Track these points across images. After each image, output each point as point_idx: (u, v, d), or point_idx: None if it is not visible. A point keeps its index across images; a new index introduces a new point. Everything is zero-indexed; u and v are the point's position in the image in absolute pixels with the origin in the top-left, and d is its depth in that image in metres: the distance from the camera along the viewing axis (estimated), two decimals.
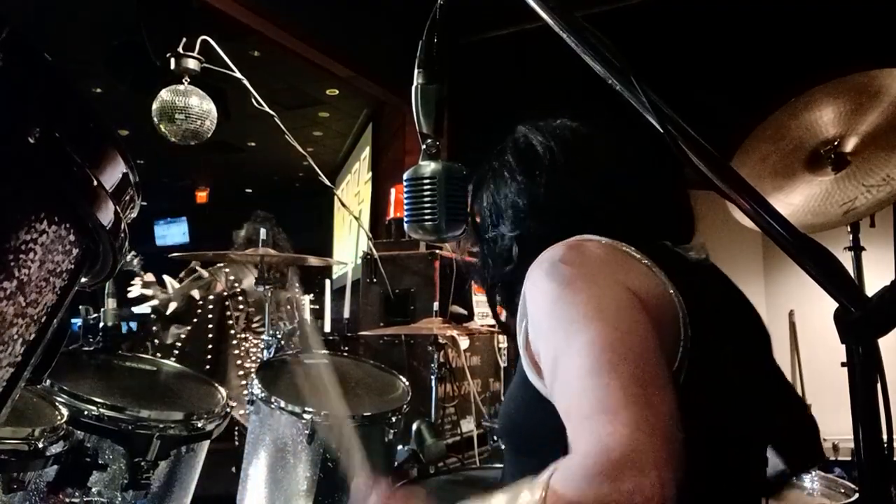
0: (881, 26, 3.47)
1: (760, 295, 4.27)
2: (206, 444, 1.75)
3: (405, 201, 0.90)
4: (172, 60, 2.49)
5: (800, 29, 3.76)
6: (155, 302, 3.29)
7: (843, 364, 0.63)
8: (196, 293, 3.40)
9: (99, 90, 6.37)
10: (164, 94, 2.42)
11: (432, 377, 2.80)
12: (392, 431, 1.87)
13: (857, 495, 1.72)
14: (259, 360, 3.48)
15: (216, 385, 1.93)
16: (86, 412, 1.48)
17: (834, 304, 0.62)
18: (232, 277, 3.52)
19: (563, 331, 0.80)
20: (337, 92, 6.68)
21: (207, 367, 3.32)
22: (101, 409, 1.49)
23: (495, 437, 2.64)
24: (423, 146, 0.90)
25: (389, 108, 5.95)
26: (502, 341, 3.84)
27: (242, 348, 3.46)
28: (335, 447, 1.31)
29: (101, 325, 1.87)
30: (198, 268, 3.51)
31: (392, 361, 2.66)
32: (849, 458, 3.64)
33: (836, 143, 1.95)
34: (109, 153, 0.47)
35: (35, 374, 0.49)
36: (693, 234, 1.06)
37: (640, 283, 0.84)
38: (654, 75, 0.80)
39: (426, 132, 0.90)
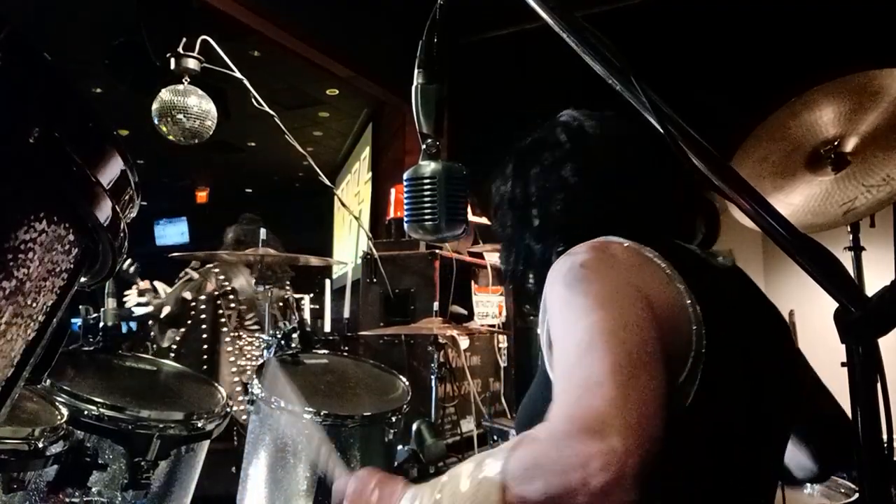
0: (881, 26, 3.47)
1: None
2: (206, 444, 1.75)
3: (405, 201, 0.90)
4: (172, 60, 2.49)
5: (800, 29, 3.76)
6: (150, 308, 3.30)
7: (843, 364, 0.63)
8: (188, 294, 3.43)
9: (99, 90, 6.37)
10: (164, 94, 2.42)
11: (432, 377, 2.80)
12: (392, 431, 1.87)
13: (857, 495, 1.72)
14: (253, 358, 3.52)
15: (216, 385, 1.93)
16: (86, 412, 1.48)
17: (834, 304, 0.62)
18: (222, 277, 3.54)
19: (568, 322, 0.82)
20: (337, 92, 6.69)
21: (204, 367, 3.34)
22: (101, 409, 1.49)
23: (495, 437, 2.64)
24: (423, 146, 0.90)
25: (389, 108, 5.95)
26: (502, 341, 3.84)
27: (236, 346, 3.48)
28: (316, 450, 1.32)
29: (101, 325, 1.87)
30: (188, 270, 3.52)
31: (392, 361, 2.66)
32: None
33: (836, 143, 1.95)
34: (109, 153, 0.47)
35: (35, 374, 0.49)
36: (718, 236, 1.07)
37: (654, 290, 0.84)
38: (654, 75, 0.80)
39: (426, 132, 0.90)
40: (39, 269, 0.43)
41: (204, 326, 3.42)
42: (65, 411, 1.38)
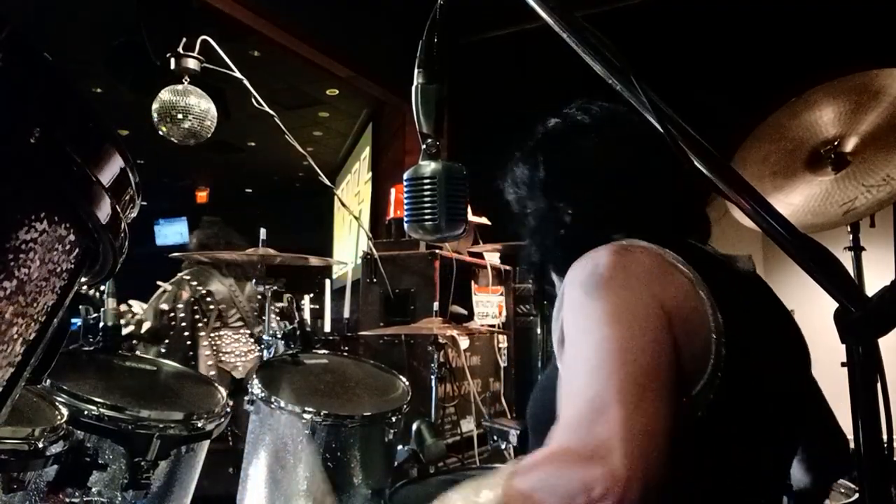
0: (881, 26, 3.47)
1: None
2: (206, 444, 1.75)
3: (405, 201, 0.89)
4: (172, 60, 2.49)
5: (800, 29, 3.76)
6: (130, 328, 3.32)
7: (843, 364, 0.63)
8: (165, 305, 3.47)
9: (99, 90, 6.37)
10: (164, 94, 2.42)
11: (432, 377, 2.80)
12: (392, 431, 1.87)
13: (857, 495, 1.72)
14: (242, 354, 3.56)
15: (216, 385, 1.93)
16: (86, 412, 1.48)
17: (834, 304, 0.62)
18: (195, 283, 3.59)
19: (581, 331, 0.81)
20: (337, 92, 6.69)
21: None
22: (101, 409, 1.49)
23: (495, 437, 2.64)
24: (423, 146, 0.90)
25: (389, 108, 5.95)
26: (502, 341, 3.84)
27: (214, 344, 3.53)
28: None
29: (101, 325, 1.87)
30: (159, 282, 3.56)
31: (392, 361, 2.66)
32: None
33: (836, 143, 1.95)
34: (109, 153, 0.47)
35: (35, 374, 0.49)
36: (710, 234, 1.07)
37: (675, 301, 0.83)
38: (654, 75, 0.80)
39: (426, 132, 0.90)
40: (40, 270, 0.43)
41: (186, 334, 3.48)
42: (65, 411, 1.38)
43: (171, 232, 11.14)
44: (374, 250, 3.41)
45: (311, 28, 4.47)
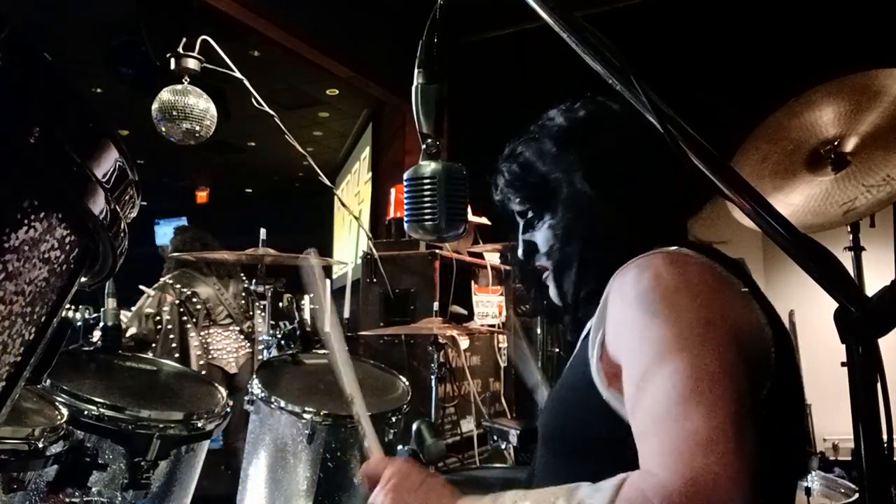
0: (881, 26, 3.47)
1: None
2: (206, 444, 1.75)
3: (405, 201, 0.89)
4: (172, 60, 2.49)
5: (800, 29, 3.76)
6: None
7: (843, 364, 0.63)
8: (150, 309, 3.51)
9: (99, 90, 6.37)
10: (164, 94, 2.42)
11: (432, 377, 2.80)
12: (392, 431, 1.87)
13: (857, 495, 1.72)
14: (233, 350, 3.59)
15: (216, 385, 1.93)
16: (86, 412, 1.48)
17: (834, 304, 0.62)
18: (178, 286, 3.64)
19: (655, 353, 0.78)
20: (337, 92, 6.69)
21: None
22: (101, 409, 1.49)
23: (495, 437, 2.64)
24: (423, 146, 0.89)
25: (389, 108, 5.95)
26: (502, 341, 3.84)
27: (205, 342, 3.56)
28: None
29: (101, 325, 1.87)
30: (142, 287, 3.60)
31: (392, 361, 2.66)
32: (849, 458, 3.64)
33: (836, 143, 1.95)
34: (109, 153, 0.47)
35: (35, 374, 0.49)
36: None
37: (736, 313, 0.82)
38: (654, 75, 0.80)
39: (426, 132, 0.90)
40: (40, 269, 0.43)
41: (172, 336, 3.52)
42: (65, 411, 1.38)
43: (171, 232, 11.14)
44: (374, 250, 3.41)
45: (311, 28, 4.47)
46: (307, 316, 2.50)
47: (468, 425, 3.41)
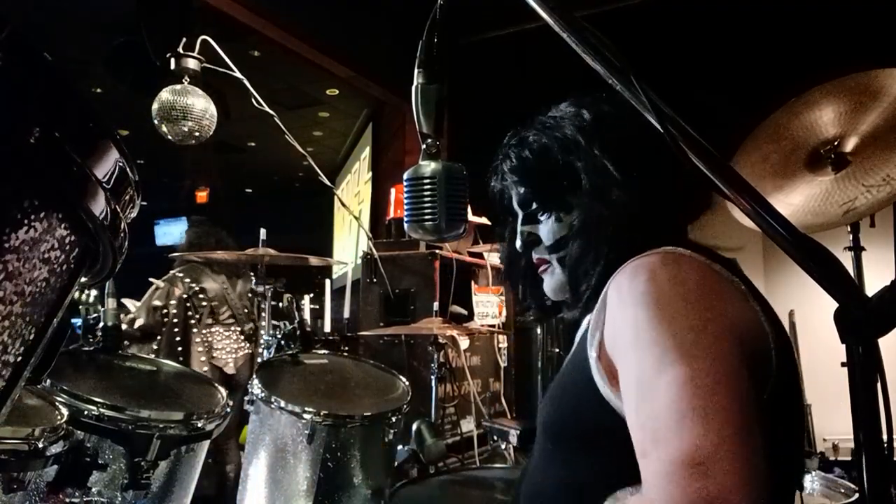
0: (881, 26, 3.47)
1: None
2: (206, 444, 1.75)
3: (405, 201, 0.89)
4: (172, 60, 2.49)
5: (800, 29, 3.76)
6: (123, 326, 3.33)
7: (843, 364, 0.63)
8: (158, 302, 3.50)
9: (99, 90, 6.37)
10: (164, 94, 2.42)
11: (432, 377, 2.80)
12: (392, 431, 1.87)
13: (857, 495, 1.72)
14: (233, 351, 3.58)
15: (216, 385, 1.93)
16: (86, 412, 1.48)
17: (834, 304, 0.62)
18: (188, 280, 3.62)
19: (653, 358, 0.76)
20: (337, 92, 6.69)
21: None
22: (101, 409, 1.49)
23: (495, 437, 2.64)
24: (423, 146, 0.89)
25: (389, 108, 5.95)
26: (502, 341, 3.84)
27: (206, 342, 3.56)
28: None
29: (101, 325, 1.87)
30: (152, 279, 3.58)
31: (392, 361, 2.66)
32: (849, 458, 3.64)
33: (836, 143, 1.95)
34: (109, 153, 0.47)
35: (35, 374, 0.49)
36: None
37: (736, 313, 0.81)
38: (654, 75, 0.79)
39: (426, 132, 0.90)
40: (39, 269, 0.43)
41: (176, 330, 3.51)
42: (65, 411, 1.38)
43: (171, 232, 11.14)
44: (374, 250, 3.41)
45: (311, 28, 4.47)
46: (307, 316, 2.51)
47: (468, 425, 3.41)
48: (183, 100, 2.40)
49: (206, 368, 3.46)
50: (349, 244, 6.99)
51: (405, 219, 0.90)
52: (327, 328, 4.43)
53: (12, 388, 0.46)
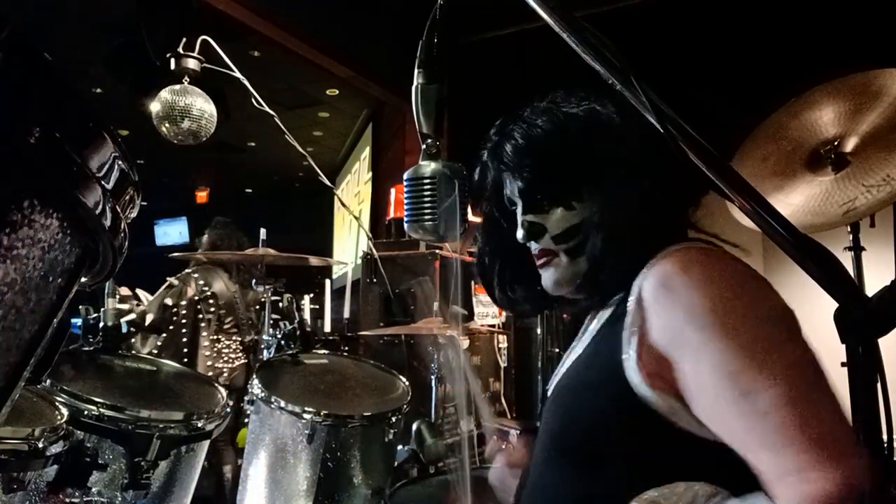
0: (881, 26, 3.47)
1: None
2: (206, 444, 1.75)
3: (405, 201, 0.89)
4: (172, 60, 2.49)
5: (800, 29, 3.76)
6: (132, 316, 3.32)
7: (843, 364, 0.63)
8: (169, 300, 3.47)
9: (99, 90, 6.37)
10: (164, 94, 2.42)
11: (432, 377, 2.80)
12: (392, 431, 1.87)
13: None
14: (230, 360, 3.56)
15: (216, 385, 1.93)
16: (86, 412, 1.48)
17: (834, 304, 0.62)
18: (202, 282, 3.58)
19: (744, 359, 0.75)
20: (337, 92, 6.68)
21: None
22: (101, 409, 1.49)
23: (495, 437, 2.63)
24: (423, 146, 0.89)
25: (389, 108, 5.95)
26: (502, 341, 3.84)
27: (214, 349, 3.52)
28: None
29: (101, 325, 1.87)
30: (168, 278, 3.56)
31: (392, 361, 2.66)
32: None
33: (836, 143, 1.95)
34: (109, 153, 0.47)
35: (35, 374, 0.49)
36: None
37: (784, 302, 0.81)
38: (654, 75, 0.79)
39: (426, 132, 0.90)
40: (39, 269, 0.43)
41: (184, 331, 3.47)
42: (65, 411, 1.38)
43: (171, 232, 11.14)
44: (374, 250, 3.41)
45: (311, 28, 4.47)
46: (307, 316, 2.50)
47: (468, 425, 3.41)
48: (183, 100, 2.40)
49: (210, 374, 3.44)
50: (349, 244, 6.99)
51: (405, 219, 0.90)
52: (327, 328, 4.42)
53: (12, 388, 0.46)
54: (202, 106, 2.43)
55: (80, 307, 1.88)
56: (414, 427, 1.85)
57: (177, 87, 2.43)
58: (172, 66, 2.49)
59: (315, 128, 7.97)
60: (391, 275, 3.36)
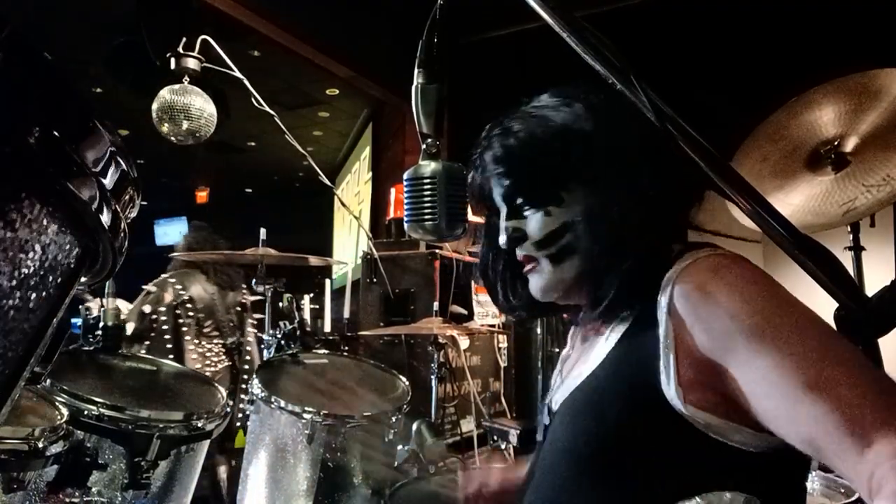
0: (881, 26, 3.47)
1: None
2: (206, 444, 1.75)
3: (405, 201, 0.89)
4: (172, 60, 2.49)
5: (800, 29, 3.76)
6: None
7: None
8: (147, 308, 3.44)
9: (99, 90, 6.37)
10: (164, 94, 2.42)
11: (432, 377, 2.80)
12: (392, 431, 1.87)
13: (857, 495, 1.72)
14: (213, 364, 3.54)
15: (216, 385, 1.93)
16: (86, 412, 1.48)
17: (834, 304, 0.62)
18: (179, 287, 3.56)
19: (795, 348, 0.73)
20: (337, 92, 6.68)
21: None
22: (101, 409, 1.49)
23: (495, 437, 2.64)
24: (423, 146, 0.89)
25: (389, 108, 5.95)
26: (502, 341, 3.84)
27: (199, 353, 3.51)
28: None
29: (101, 325, 1.87)
30: (144, 286, 3.56)
31: (392, 361, 2.66)
32: None
33: (836, 143, 1.95)
34: (109, 153, 0.47)
35: (35, 374, 0.49)
36: None
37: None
38: (654, 75, 0.79)
39: (426, 132, 0.90)
40: (39, 269, 0.43)
41: (167, 337, 3.45)
42: (65, 411, 1.38)
43: (171, 232, 11.14)
44: (374, 250, 3.41)
45: (311, 28, 4.47)
46: (307, 316, 2.50)
47: (468, 425, 3.41)
48: (183, 100, 2.40)
49: None
50: (349, 244, 6.99)
51: (405, 219, 0.90)
52: (327, 328, 4.42)
53: (12, 388, 0.46)
54: (202, 105, 2.43)
55: (80, 307, 1.88)
56: (414, 427, 1.85)
57: (177, 86, 2.43)
58: (172, 66, 2.48)
59: (315, 128, 7.97)
60: (391, 275, 3.36)
